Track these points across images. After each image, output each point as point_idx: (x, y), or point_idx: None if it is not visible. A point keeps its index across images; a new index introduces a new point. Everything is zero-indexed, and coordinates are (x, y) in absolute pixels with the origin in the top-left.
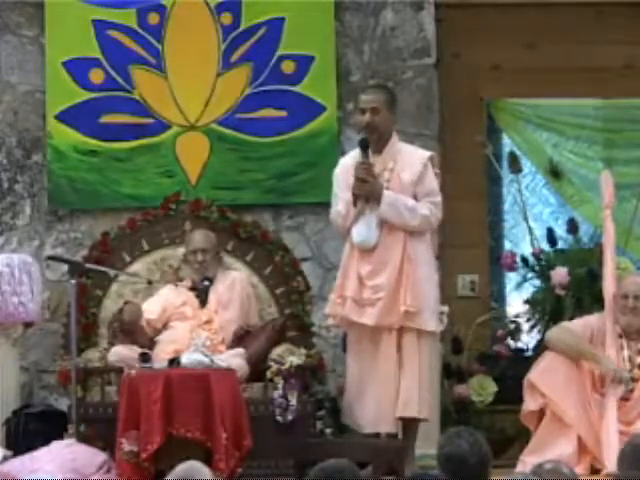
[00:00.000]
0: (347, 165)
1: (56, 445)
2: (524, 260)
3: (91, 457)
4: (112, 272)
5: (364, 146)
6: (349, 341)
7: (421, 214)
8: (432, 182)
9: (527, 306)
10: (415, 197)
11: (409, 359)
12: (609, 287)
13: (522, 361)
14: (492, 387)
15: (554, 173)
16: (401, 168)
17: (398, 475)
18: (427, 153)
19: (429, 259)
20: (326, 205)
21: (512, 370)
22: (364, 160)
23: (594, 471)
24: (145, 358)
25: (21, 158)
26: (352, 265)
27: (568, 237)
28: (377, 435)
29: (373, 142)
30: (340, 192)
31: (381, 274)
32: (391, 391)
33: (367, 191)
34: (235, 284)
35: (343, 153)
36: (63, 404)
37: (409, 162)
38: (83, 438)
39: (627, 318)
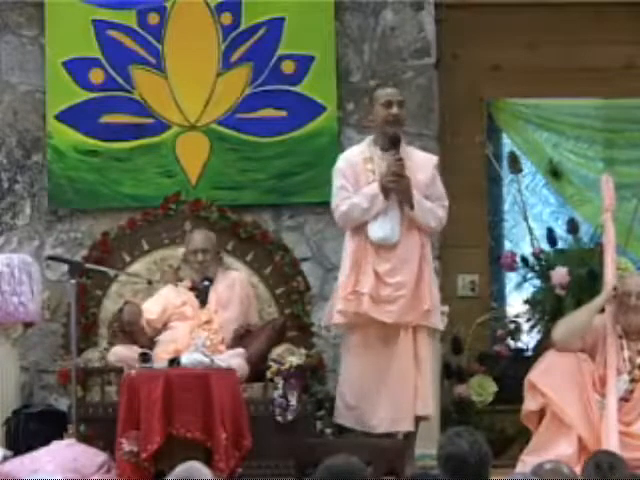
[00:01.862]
0: (354, 160)
1: (56, 445)
2: (524, 260)
3: (91, 457)
4: (112, 272)
5: (396, 141)
6: (353, 340)
7: (438, 216)
8: (441, 186)
9: (527, 306)
10: (426, 199)
11: (424, 357)
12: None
13: (522, 361)
14: (492, 387)
15: (554, 173)
16: (415, 169)
17: (398, 475)
18: (434, 157)
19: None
20: (326, 205)
21: (512, 370)
22: (398, 156)
23: None
24: (145, 358)
25: (21, 158)
26: (367, 262)
27: (568, 237)
28: (389, 435)
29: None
30: (350, 186)
31: (402, 272)
32: (409, 389)
33: (403, 186)
34: (235, 284)
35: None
36: (63, 404)
37: (421, 164)
38: (83, 438)
39: (628, 317)
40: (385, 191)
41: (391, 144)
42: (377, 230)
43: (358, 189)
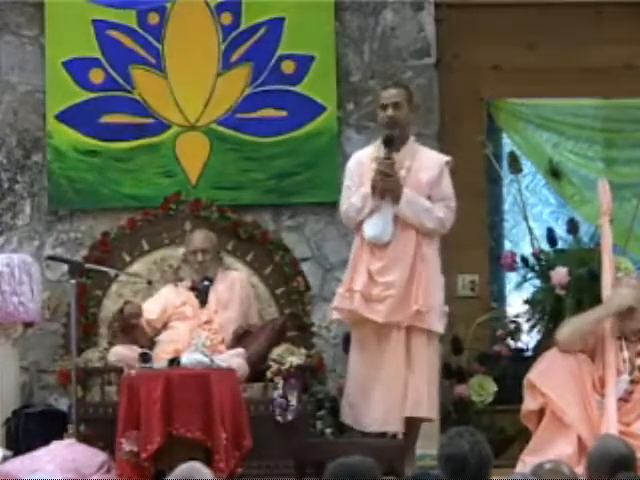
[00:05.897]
0: (362, 160)
1: (56, 445)
2: (524, 260)
3: (91, 457)
4: (112, 272)
5: (388, 141)
6: (353, 338)
7: (437, 216)
8: (448, 186)
9: (527, 306)
10: (429, 199)
11: (419, 359)
12: (608, 292)
13: (522, 361)
14: (492, 387)
15: (554, 173)
16: (418, 168)
17: (398, 475)
18: (445, 157)
19: (438, 260)
20: (326, 205)
21: (512, 370)
22: (389, 155)
23: None
24: (145, 358)
25: (21, 158)
26: (362, 260)
27: (568, 237)
28: (382, 434)
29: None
30: (354, 186)
31: (393, 271)
32: (399, 390)
33: (390, 186)
34: (235, 284)
35: (343, 153)
36: (63, 404)
37: (427, 164)
38: (83, 438)
39: (623, 323)
40: (375, 190)
41: (384, 144)
42: (370, 229)
43: None
